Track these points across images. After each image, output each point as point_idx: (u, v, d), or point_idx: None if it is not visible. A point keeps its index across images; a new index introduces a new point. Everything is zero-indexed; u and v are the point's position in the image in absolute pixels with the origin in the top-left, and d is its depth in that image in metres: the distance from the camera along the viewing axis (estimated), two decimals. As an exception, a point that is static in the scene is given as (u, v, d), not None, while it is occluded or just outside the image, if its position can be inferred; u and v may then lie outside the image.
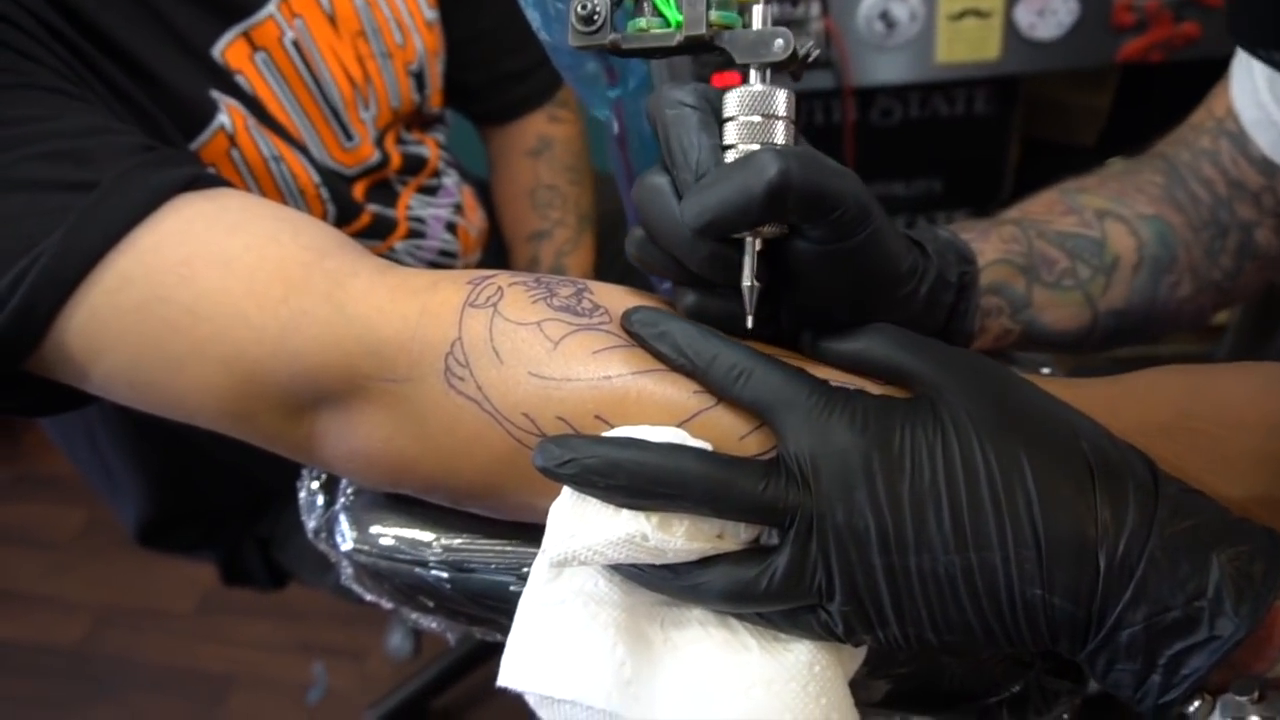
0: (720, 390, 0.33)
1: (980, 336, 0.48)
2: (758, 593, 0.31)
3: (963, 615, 0.30)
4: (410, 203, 0.75)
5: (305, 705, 1.38)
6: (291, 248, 0.38)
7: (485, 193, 0.90)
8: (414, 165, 0.76)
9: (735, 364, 0.32)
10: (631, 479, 0.30)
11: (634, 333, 0.35)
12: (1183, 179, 0.53)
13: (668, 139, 0.34)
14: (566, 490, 0.32)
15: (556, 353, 0.35)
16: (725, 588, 0.31)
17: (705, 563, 0.32)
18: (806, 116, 1.14)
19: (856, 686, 0.36)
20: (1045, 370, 0.50)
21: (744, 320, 0.34)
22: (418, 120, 0.79)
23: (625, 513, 0.32)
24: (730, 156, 0.33)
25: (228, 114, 0.56)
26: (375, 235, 0.70)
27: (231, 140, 0.57)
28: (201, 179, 0.41)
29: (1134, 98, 1.18)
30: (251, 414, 0.38)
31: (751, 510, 0.30)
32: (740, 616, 0.34)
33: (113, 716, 1.41)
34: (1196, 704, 0.29)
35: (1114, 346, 0.54)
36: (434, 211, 0.77)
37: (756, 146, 0.33)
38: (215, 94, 0.56)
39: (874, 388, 0.34)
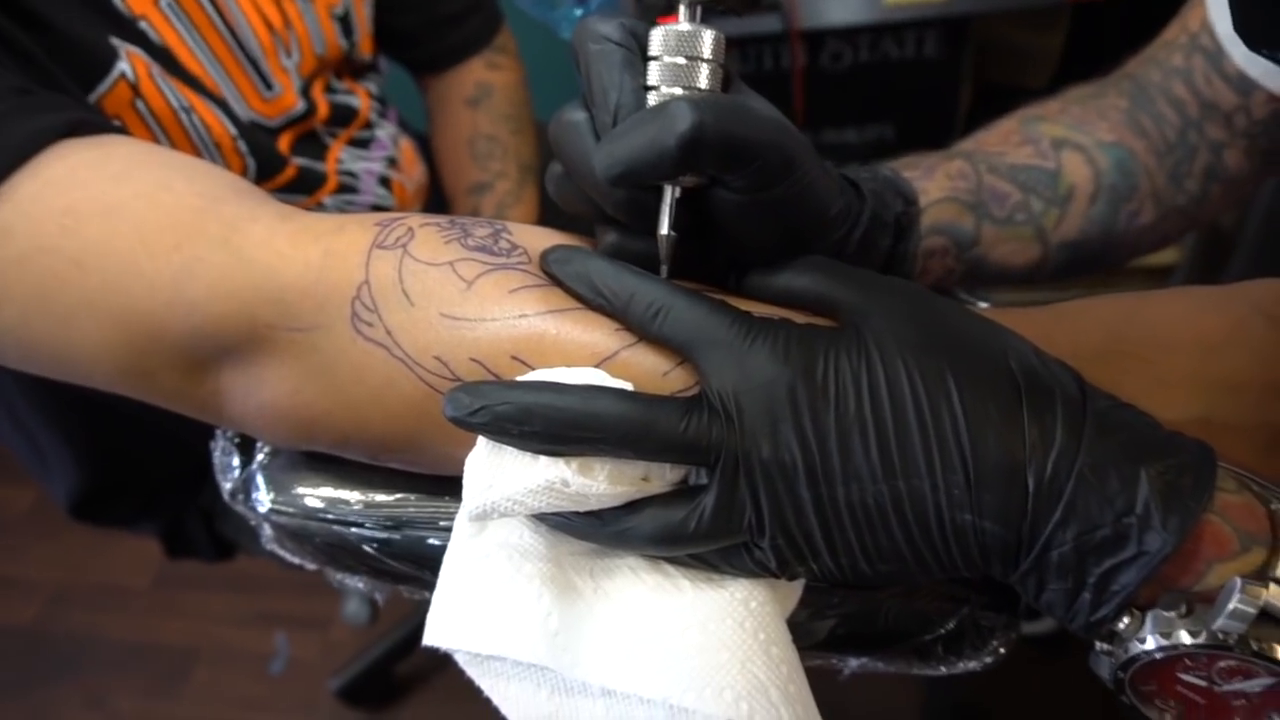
0: (639, 328, 0.32)
1: (922, 277, 0.47)
2: (687, 534, 0.30)
3: (894, 544, 0.29)
4: (341, 155, 0.72)
5: (268, 676, 1.37)
6: (184, 194, 0.36)
7: (427, 147, 0.87)
8: (343, 116, 0.73)
9: (653, 300, 0.31)
10: (546, 424, 0.29)
11: (551, 272, 0.34)
12: (1150, 100, 0.52)
13: (588, 76, 0.32)
14: (482, 440, 0.31)
15: (470, 293, 0.34)
16: (654, 531, 0.31)
17: (632, 507, 0.31)
18: (755, 61, 1.12)
19: (798, 630, 0.35)
20: (982, 305, 0.49)
21: (662, 269, 0.33)
22: (348, 68, 0.76)
23: (543, 459, 0.31)
24: (653, 98, 0.32)
25: (129, 62, 0.53)
26: (301, 189, 0.67)
27: (135, 90, 0.54)
28: (85, 124, 0.38)
29: (1086, 38, 1.17)
30: (149, 371, 0.36)
31: (674, 450, 0.30)
32: (674, 560, 0.33)
33: (73, 696, 1.40)
34: (1126, 620, 0.29)
35: (1068, 277, 0.53)
36: (366, 165, 0.75)
37: (679, 90, 0.32)
38: (115, 41, 0.53)
39: (800, 319, 0.33)
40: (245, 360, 0.36)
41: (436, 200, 0.86)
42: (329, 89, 0.72)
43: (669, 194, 0.32)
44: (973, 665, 0.36)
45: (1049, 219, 0.49)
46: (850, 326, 0.31)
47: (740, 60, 1.12)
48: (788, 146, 0.31)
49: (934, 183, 0.47)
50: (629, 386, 0.31)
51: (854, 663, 0.39)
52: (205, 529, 0.82)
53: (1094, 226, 0.50)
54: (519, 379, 0.32)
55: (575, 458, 0.31)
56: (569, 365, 0.33)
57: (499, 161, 0.81)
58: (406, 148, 0.82)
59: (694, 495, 0.31)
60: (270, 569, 1.10)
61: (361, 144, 0.75)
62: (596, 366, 0.33)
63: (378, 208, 0.75)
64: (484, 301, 0.34)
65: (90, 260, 0.35)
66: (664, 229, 0.32)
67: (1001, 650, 0.36)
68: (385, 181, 0.76)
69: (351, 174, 0.73)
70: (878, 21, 1.05)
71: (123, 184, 0.36)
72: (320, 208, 0.69)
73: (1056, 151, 0.50)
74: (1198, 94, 0.51)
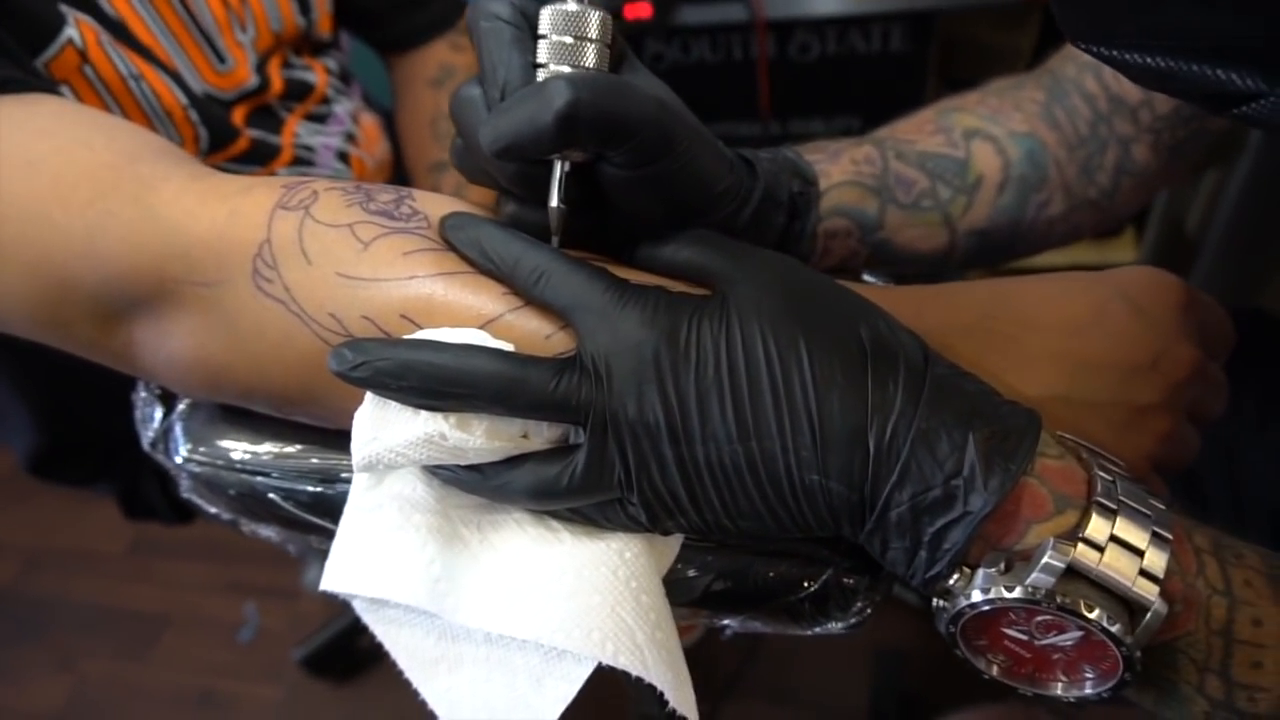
0: (524, 292, 0.33)
1: (824, 257, 0.48)
2: (560, 489, 0.31)
3: (751, 503, 0.30)
4: (297, 130, 0.74)
5: (236, 644, 1.39)
6: (103, 153, 0.37)
7: (394, 124, 0.89)
8: (299, 91, 0.75)
9: (536, 266, 0.32)
10: (423, 380, 0.30)
11: (447, 237, 0.35)
12: (1065, 94, 0.53)
13: (480, 53, 0.33)
14: (369, 395, 0.33)
15: (366, 254, 0.34)
16: (530, 486, 0.32)
17: (511, 463, 0.33)
18: (724, 50, 1.13)
19: (677, 584, 0.37)
20: (869, 279, 0.51)
21: (553, 240, 0.34)
22: (307, 45, 0.77)
23: (423, 414, 0.32)
24: (541, 75, 0.33)
25: (77, 29, 0.55)
26: (255, 160, 0.69)
27: (83, 56, 0.55)
28: (13, 83, 0.39)
29: (1057, 38, 1.18)
30: (65, 321, 0.38)
31: (545, 408, 0.31)
32: (557, 515, 0.34)
33: (44, 657, 1.41)
34: (956, 577, 0.31)
35: (979, 265, 0.55)
36: (324, 140, 0.76)
37: (566, 69, 0.32)
38: (64, 8, 0.54)
39: (677, 288, 0.34)
40: (155, 313, 0.37)
41: (399, 177, 0.87)
42: (286, 64, 0.74)
43: (557, 168, 0.33)
44: (839, 626, 0.38)
45: (956, 206, 0.50)
46: (718, 294, 0.32)
47: (710, 49, 1.14)
48: (666, 124, 0.32)
49: (838, 166, 0.48)
50: (509, 347, 0.32)
51: (733, 622, 0.40)
52: (161, 491, 0.84)
53: (1002, 215, 0.52)
54: (404, 338, 0.33)
55: (453, 413, 0.32)
56: (455, 326, 0.33)
57: None
58: (368, 124, 0.84)
59: (569, 453, 0.32)
60: (244, 539, 1.10)
61: (319, 119, 0.77)
62: (481, 329, 0.33)
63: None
64: (378, 263, 0.34)
65: (6, 211, 0.36)
66: (553, 201, 0.33)
67: (868, 611, 0.37)
68: (343, 156, 0.77)
69: (308, 148, 0.74)
70: (843, 14, 1.06)
71: (43, 140, 0.37)
72: None
73: (967, 141, 0.51)
74: (1106, 88, 0.53)
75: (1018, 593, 0.29)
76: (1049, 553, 0.29)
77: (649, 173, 0.33)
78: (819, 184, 0.46)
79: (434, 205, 0.37)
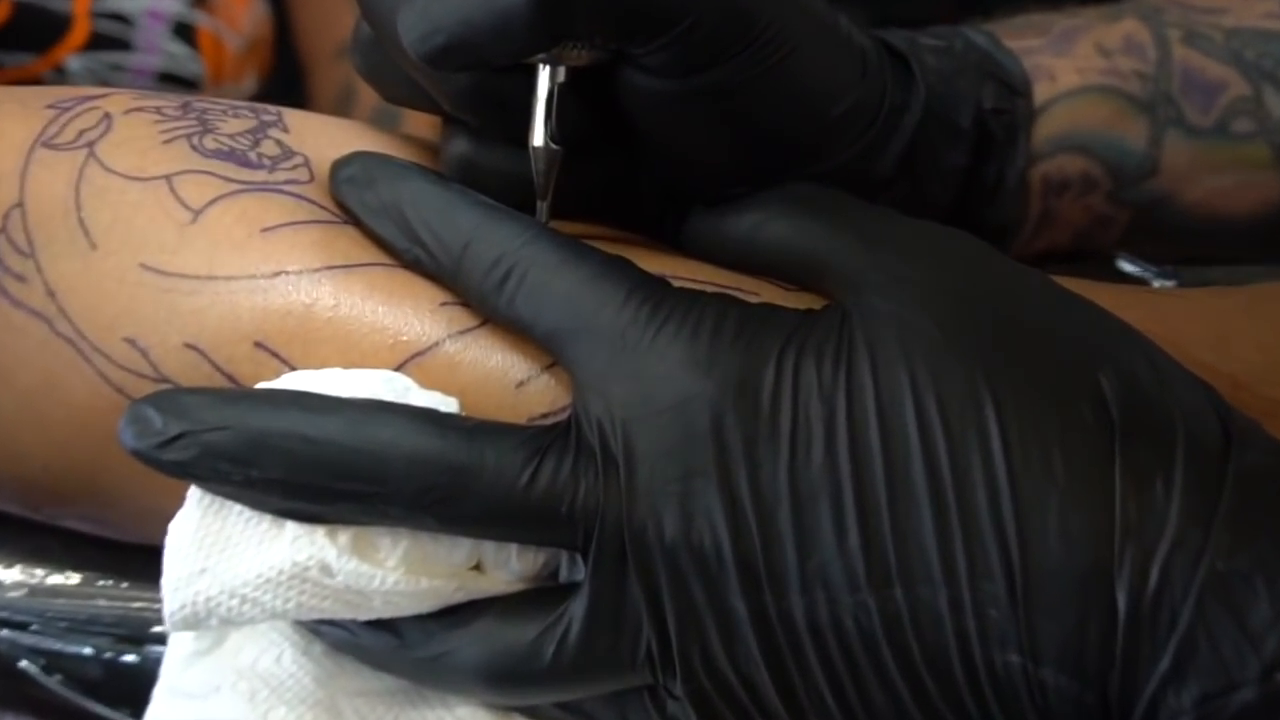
0: (479, 301, 0.25)
1: (1042, 230, 0.36)
2: (543, 667, 0.23)
3: (892, 698, 0.23)
4: None
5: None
6: None
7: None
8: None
9: (502, 255, 0.24)
10: (292, 466, 0.22)
11: (343, 200, 0.27)
12: None
13: None
14: (194, 494, 0.24)
15: (195, 230, 0.26)
16: (488, 660, 0.24)
17: (454, 618, 0.24)
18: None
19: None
20: (1128, 268, 0.38)
21: (539, 209, 0.26)
22: None
23: (290, 527, 0.24)
24: None
25: None
26: (25, 42, 0.53)
27: None
28: None
29: None
30: None
31: (514, 520, 0.23)
32: (530, 711, 0.27)
33: None
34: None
35: None
36: (145, 4, 0.60)
37: None
38: None
39: (756, 293, 0.26)
40: None
41: (286, 68, 0.69)
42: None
43: (543, 79, 0.25)
44: None
45: None
46: (834, 310, 0.23)
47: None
48: None
49: (1070, 60, 0.35)
50: (451, 405, 0.24)
51: None
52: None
53: None
54: (258, 386, 0.25)
55: (346, 526, 0.23)
56: (351, 365, 0.25)
57: None
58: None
59: (556, 601, 0.24)
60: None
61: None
62: (399, 369, 0.25)
63: (170, 77, 0.59)
64: (217, 247, 0.26)
65: None
66: (538, 139, 0.25)
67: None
68: (185, 32, 0.60)
69: (120, 18, 0.57)
70: None
71: None
72: (61, 75, 0.55)
73: None
74: None
75: None
76: None
77: (709, 83, 0.24)
78: (1033, 94, 0.34)
79: (322, 139, 0.29)
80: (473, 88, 0.25)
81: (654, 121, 0.26)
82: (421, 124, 0.33)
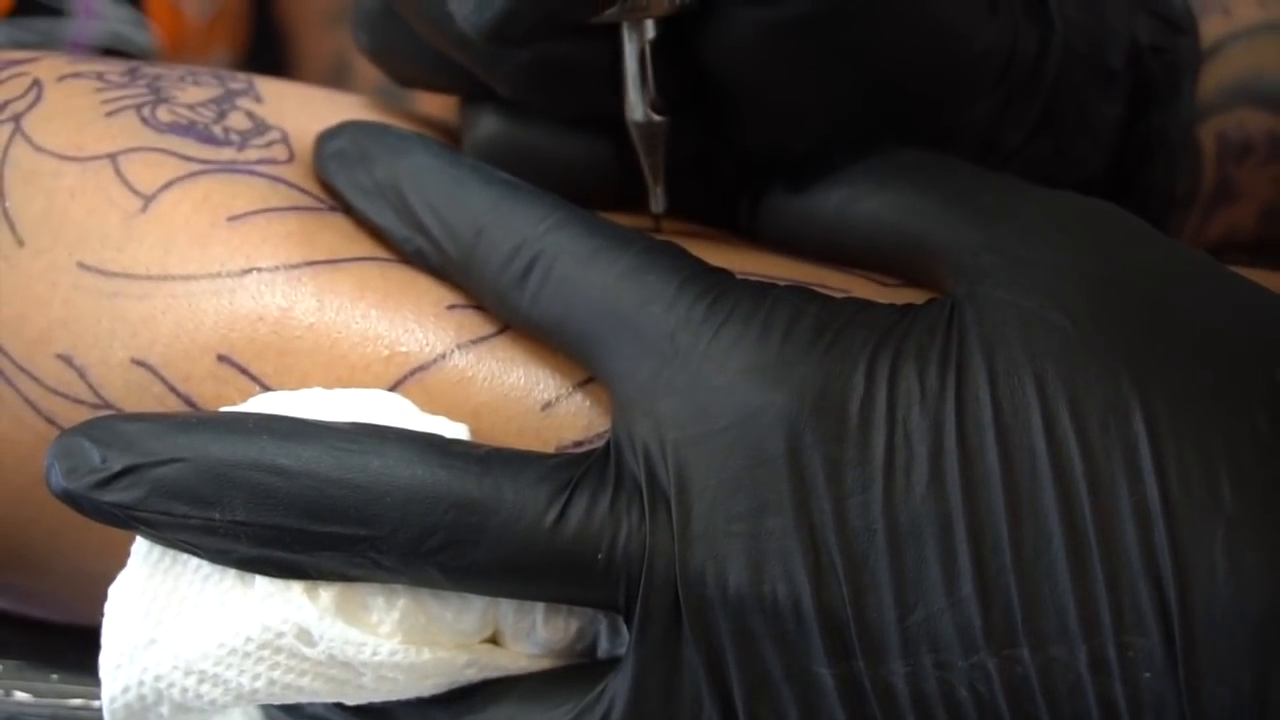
0: (496, 303, 0.22)
1: (1221, 205, 0.31)
2: None
3: None
4: None
5: None
6: None
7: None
8: None
9: (522, 243, 0.21)
10: (263, 506, 0.20)
11: (329, 180, 0.24)
12: None
13: None
14: (139, 547, 0.22)
15: (146, 220, 0.24)
16: None
17: (463, 702, 0.22)
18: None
19: None
20: None
21: (653, 195, 0.24)
22: None
23: (260, 584, 0.21)
24: None
25: None
26: None
27: None
28: None
29: None
30: None
31: (538, 573, 0.20)
32: None
33: None
34: None
35: None
36: None
37: None
38: None
39: (847, 286, 0.23)
40: None
41: (263, 38, 0.68)
42: None
43: (633, 39, 0.22)
44: None
45: None
46: (943, 304, 0.21)
47: None
48: None
49: None
50: (460, 431, 0.22)
51: None
52: None
53: None
54: (222, 410, 0.22)
55: (328, 583, 0.21)
56: (337, 383, 0.23)
57: None
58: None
59: (594, 679, 0.21)
60: None
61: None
62: (396, 385, 0.23)
63: (113, 53, 0.57)
64: (171, 240, 0.24)
65: None
66: (637, 111, 0.23)
67: None
68: None
69: None
70: None
71: None
72: None
73: None
74: None
75: None
76: None
77: (816, 19, 0.22)
78: (1199, 31, 0.29)
79: (304, 112, 0.26)
80: (538, 62, 0.22)
81: (753, 66, 0.23)
82: (432, 105, 0.30)
